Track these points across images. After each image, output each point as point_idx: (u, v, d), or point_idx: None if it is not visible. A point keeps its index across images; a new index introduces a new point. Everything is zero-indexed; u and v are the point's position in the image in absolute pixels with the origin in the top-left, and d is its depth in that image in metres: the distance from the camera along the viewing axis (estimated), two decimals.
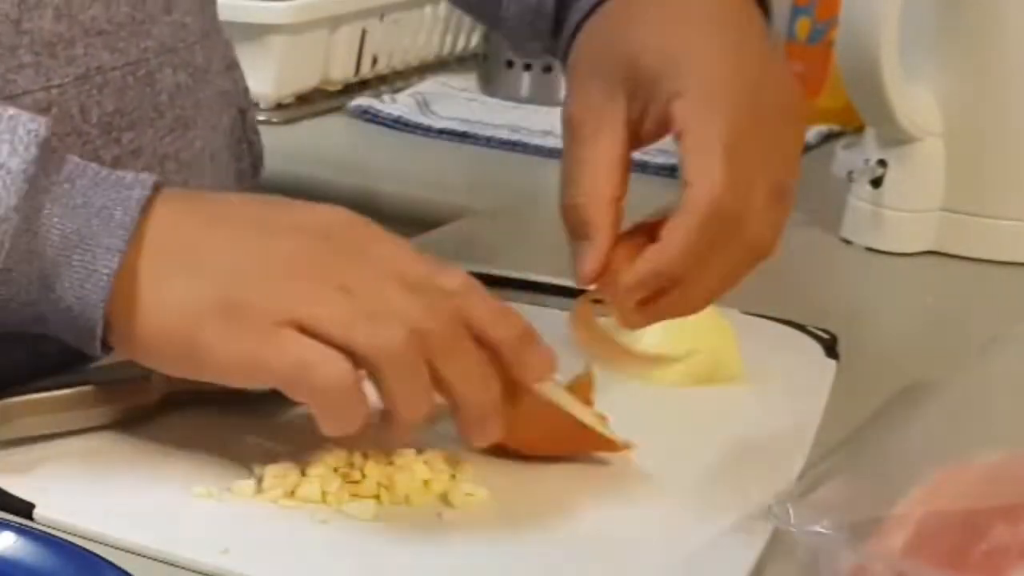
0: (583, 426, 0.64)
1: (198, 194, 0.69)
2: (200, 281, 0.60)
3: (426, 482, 0.62)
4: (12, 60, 0.68)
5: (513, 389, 0.61)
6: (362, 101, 1.36)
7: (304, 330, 0.58)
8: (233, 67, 0.89)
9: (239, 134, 0.89)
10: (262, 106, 1.27)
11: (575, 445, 0.65)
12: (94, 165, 0.62)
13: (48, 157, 0.60)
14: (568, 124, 0.67)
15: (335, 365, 0.58)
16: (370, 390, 0.59)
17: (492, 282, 0.89)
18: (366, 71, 1.41)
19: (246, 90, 0.92)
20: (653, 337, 0.76)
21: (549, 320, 0.83)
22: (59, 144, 0.70)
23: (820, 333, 0.83)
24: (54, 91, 0.69)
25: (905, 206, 1.02)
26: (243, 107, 0.90)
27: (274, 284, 0.59)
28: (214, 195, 0.71)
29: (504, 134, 1.31)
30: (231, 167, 0.88)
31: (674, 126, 0.63)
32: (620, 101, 0.65)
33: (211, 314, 0.59)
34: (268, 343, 0.58)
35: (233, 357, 0.59)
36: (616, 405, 0.72)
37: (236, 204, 0.66)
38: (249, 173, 0.92)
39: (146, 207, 0.60)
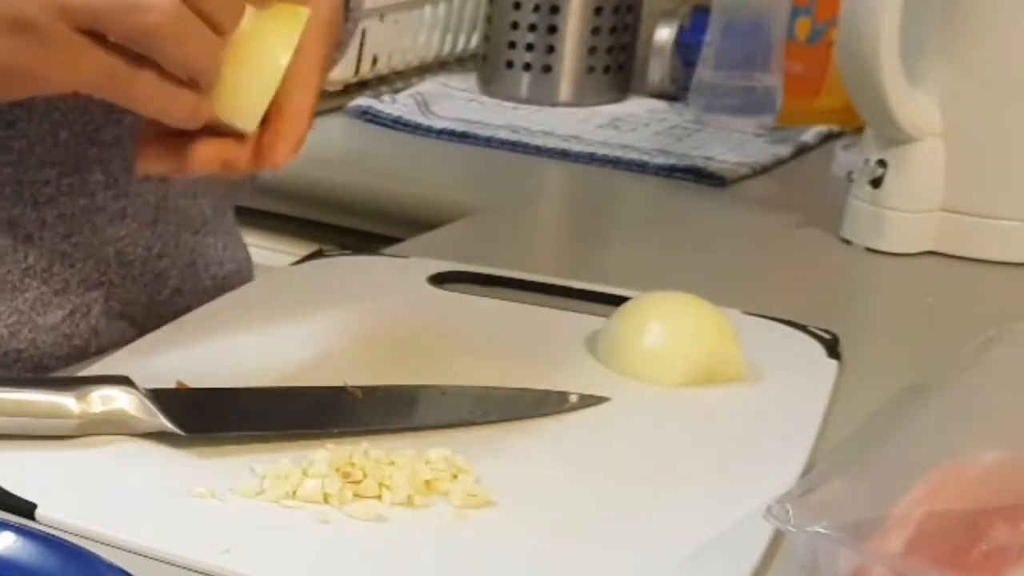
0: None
1: None
2: None
3: (428, 482, 0.62)
4: None
5: None
6: (362, 101, 1.36)
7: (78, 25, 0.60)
8: None
9: None
10: None
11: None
12: None
13: None
14: None
15: (140, 75, 0.61)
16: None
17: (492, 282, 0.89)
18: (366, 71, 1.41)
19: None
20: (654, 338, 0.76)
21: (549, 320, 0.84)
22: (62, 119, 0.72)
23: (822, 333, 0.83)
24: None
25: (905, 206, 1.03)
26: None
27: None
28: None
29: (504, 134, 1.31)
30: None
31: None
32: None
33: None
34: (67, 56, 0.61)
35: (42, 74, 0.62)
36: (616, 405, 0.73)
37: None
38: (246, 184, 0.92)
39: None
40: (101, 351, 0.79)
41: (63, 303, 0.78)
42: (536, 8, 1.42)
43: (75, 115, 0.75)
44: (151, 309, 0.82)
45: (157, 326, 0.80)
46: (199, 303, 0.84)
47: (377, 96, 1.39)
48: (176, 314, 0.82)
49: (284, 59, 0.65)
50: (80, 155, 0.76)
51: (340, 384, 0.70)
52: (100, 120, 0.76)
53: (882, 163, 1.02)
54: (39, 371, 0.78)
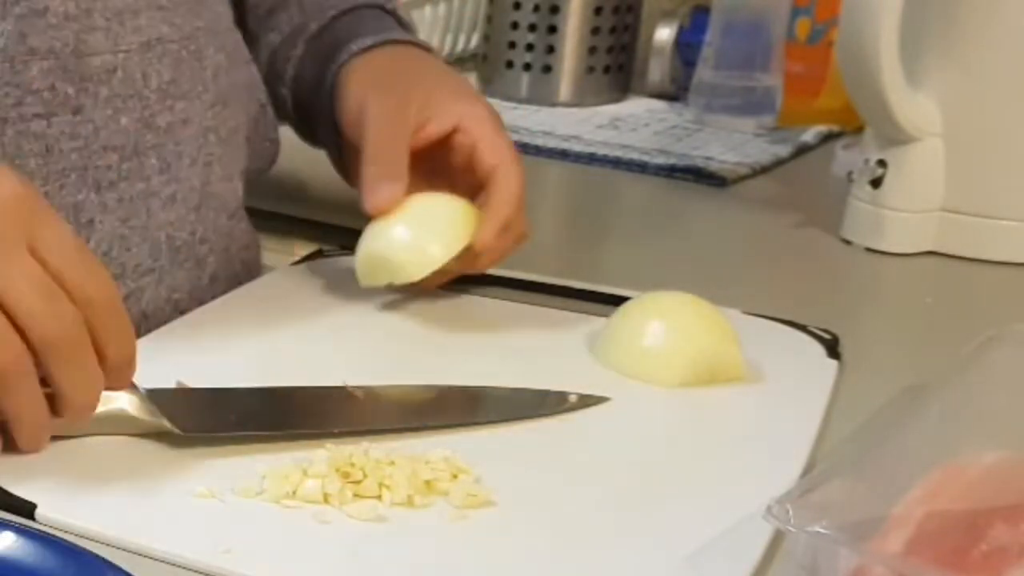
0: None
1: None
2: None
3: (428, 482, 0.62)
4: (87, 22, 0.74)
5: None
6: None
7: None
8: (250, 62, 0.93)
9: (262, 129, 0.92)
10: None
11: None
12: None
13: None
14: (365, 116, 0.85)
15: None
16: None
17: (492, 282, 0.89)
18: None
19: (262, 84, 0.95)
20: (654, 338, 0.76)
21: (549, 320, 0.84)
22: (122, 106, 0.76)
23: (822, 333, 0.83)
24: (120, 55, 0.76)
25: (905, 206, 1.03)
26: (263, 101, 0.94)
27: None
28: None
29: None
30: (254, 158, 0.91)
31: (463, 134, 0.84)
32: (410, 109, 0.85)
33: None
34: None
35: None
36: (616, 405, 0.73)
37: None
38: (266, 170, 0.95)
39: None
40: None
41: (119, 288, 0.78)
42: (536, 8, 1.42)
43: (133, 101, 0.77)
44: (192, 295, 0.84)
45: None
46: (230, 289, 0.86)
47: None
48: (213, 299, 0.85)
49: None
50: (138, 140, 0.78)
51: (340, 384, 0.70)
52: (155, 106, 0.78)
53: (882, 163, 1.02)
54: None
